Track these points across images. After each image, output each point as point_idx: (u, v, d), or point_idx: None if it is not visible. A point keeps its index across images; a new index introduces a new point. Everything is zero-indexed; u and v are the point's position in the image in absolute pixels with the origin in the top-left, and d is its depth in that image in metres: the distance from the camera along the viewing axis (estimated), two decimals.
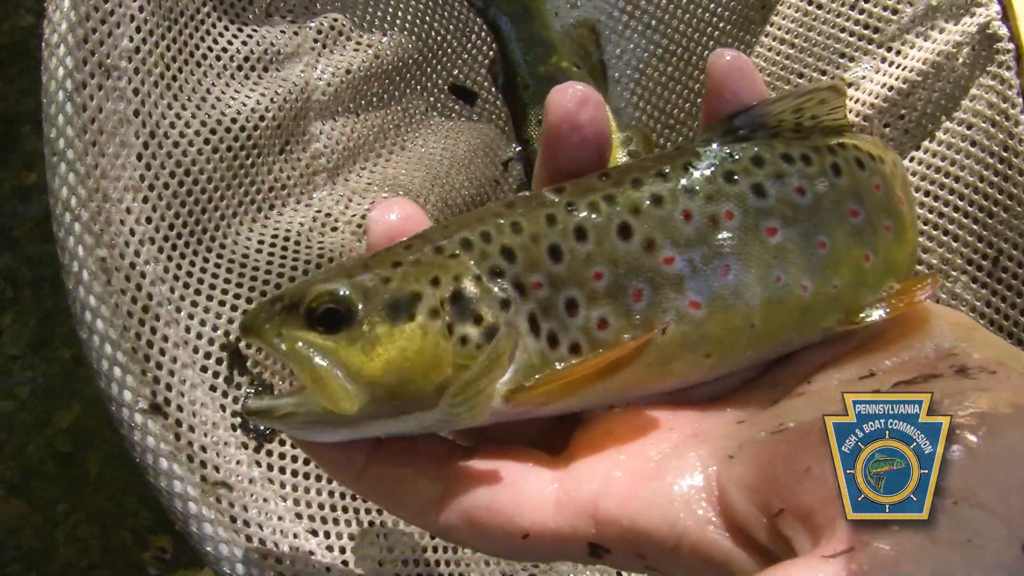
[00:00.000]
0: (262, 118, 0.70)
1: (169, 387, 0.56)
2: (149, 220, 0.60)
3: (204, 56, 0.69)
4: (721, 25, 0.91)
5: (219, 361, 0.61)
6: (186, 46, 0.67)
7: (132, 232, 0.59)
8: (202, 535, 0.53)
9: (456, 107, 0.90)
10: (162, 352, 0.57)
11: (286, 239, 0.69)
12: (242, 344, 0.62)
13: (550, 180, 0.47)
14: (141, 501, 1.33)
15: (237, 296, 0.64)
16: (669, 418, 0.44)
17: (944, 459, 0.34)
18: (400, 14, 0.86)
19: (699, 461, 0.40)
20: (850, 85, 0.79)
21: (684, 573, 0.40)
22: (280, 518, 0.57)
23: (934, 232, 0.76)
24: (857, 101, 0.79)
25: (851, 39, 0.81)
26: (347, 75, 0.78)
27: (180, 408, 0.56)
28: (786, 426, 0.39)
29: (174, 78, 0.65)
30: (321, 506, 0.60)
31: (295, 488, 0.60)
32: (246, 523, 0.55)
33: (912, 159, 0.77)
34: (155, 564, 1.32)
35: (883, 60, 0.79)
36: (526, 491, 0.43)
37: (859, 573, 0.31)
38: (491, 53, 0.92)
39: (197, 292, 0.62)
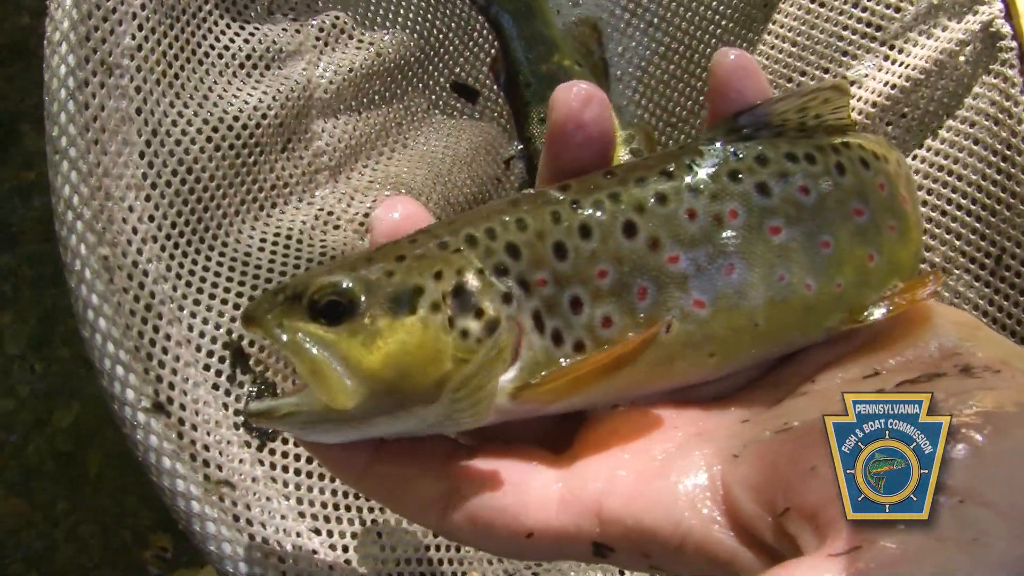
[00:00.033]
0: (264, 116, 0.70)
1: (172, 386, 0.56)
2: (151, 218, 0.60)
3: (206, 54, 0.69)
4: (723, 23, 0.91)
5: (222, 360, 0.61)
6: (188, 44, 0.67)
7: (134, 230, 0.59)
8: (205, 534, 0.53)
9: (458, 105, 0.90)
10: (165, 351, 0.57)
11: (288, 237, 0.69)
12: (245, 343, 0.62)
13: (554, 178, 0.47)
14: (141, 500, 1.33)
15: (239, 295, 0.64)
16: (673, 417, 0.44)
17: (950, 458, 0.33)
18: (402, 12, 0.86)
19: (704, 460, 0.40)
20: (853, 83, 0.79)
21: (688, 572, 0.40)
22: (283, 517, 0.57)
23: (937, 230, 0.76)
24: (860, 99, 0.79)
25: (854, 37, 0.81)
26: (349, 73, 0.78)
27: (183, 407, 0.56)
28: (790, 425, 0.39)
29: (176, 76, 0.65)
30: (324, 505, 0.60)
31: (298, 487, 0.60)
32: (249, 522, 0.55)
33: (915, 157, 0.77)
34: (155, 563, 1.32)
35: (886, 58, 0.79)
36: (530, 490, 0.43)
37: (865, 572, 0.31)
38: (493, 51, 0.92)
39: (199, 291, 0.62)
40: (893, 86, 0.78)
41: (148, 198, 0.61)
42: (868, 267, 0.46)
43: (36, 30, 1.58)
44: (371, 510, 0.62)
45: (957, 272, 0.76)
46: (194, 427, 0.56)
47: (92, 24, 0.59)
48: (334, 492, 0.61)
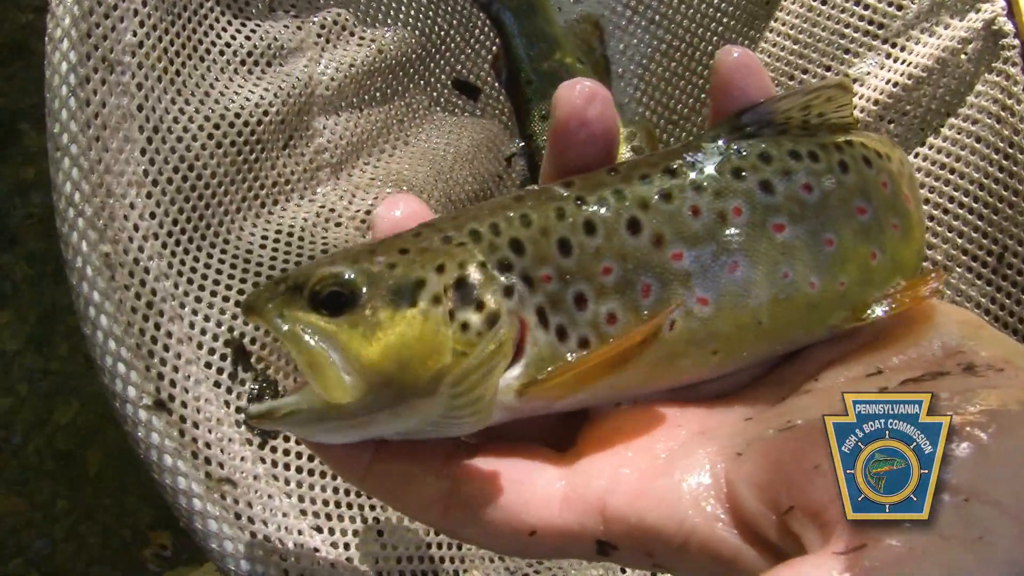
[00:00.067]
0: (265, 113, 0.70)
1: (173, 383, 0.56)
2: (153, 215, 0.60)
3: (207, 51, 0.69)
4: (725, 20, 0.91)
5: (223, 357, 0.61)
6: (189, 41, 0.67)
7: (136, 227, 0.59)
8: (207, 531, 0.53)
9: (459, 102, 0.90)
10: (166, 348, 0.57)
11: (290, 234, 0.69)
12: (246, 340, 0.62)
13: (557, 175, 0.47)
14: (141, 498, 1.33)
15: (241, 292, 0.64)
16: (677, 415, 0.44)
17: (954, 457, 0.33)
18: (403, 9, 0.86)
19: (707, 458, 0.40)
20: (855, 81, 0.79)
21: (692, 570, 0.40)
22: (285, 514, 0.57)
23: (938, 228, 0.76)
24: (862, 97, 0.79)
25: (855, 35, 0.81)
26: (350, 70, 0.78)
27: (184, 404, 0.56)
28: (794, 423, 0.39)
29: (177, 73, 0.65)
30: (326, 502, 0.60)
31: (300, 484, 0.59)
32: (251, 519, 0.55)
33: (916, 155, 0.77)
34: (155, 561, 1.32)
35: (888, 56, 0.79)
36: (533, 488, 0.43)
37: (870, 570, 0.31)
38: (494, 48, 0.92)
39: (201, 288, 0.62)
40: (895, 84, 0.78)
41: (149, 195, 0.60)
42: (871, 265, 0.46)
43: (36, 28, 1.58)
44: (373, 508, 0.62)
45: (959, 270, 0.76)
46: (195, 424, 0.56)
47: (93, 21, 0.59)
48: (335, 490, 0.61)
